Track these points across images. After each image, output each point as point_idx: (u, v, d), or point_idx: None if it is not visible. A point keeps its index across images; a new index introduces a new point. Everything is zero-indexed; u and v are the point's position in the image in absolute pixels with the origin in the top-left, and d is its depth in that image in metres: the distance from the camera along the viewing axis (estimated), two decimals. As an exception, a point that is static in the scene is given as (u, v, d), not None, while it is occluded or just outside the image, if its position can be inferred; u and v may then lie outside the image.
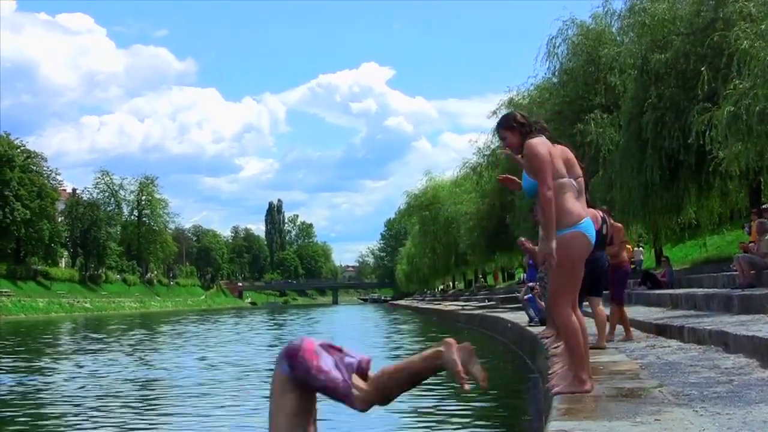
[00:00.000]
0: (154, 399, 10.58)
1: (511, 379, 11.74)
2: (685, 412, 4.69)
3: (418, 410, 8.70)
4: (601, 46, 26.07)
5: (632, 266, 32.15)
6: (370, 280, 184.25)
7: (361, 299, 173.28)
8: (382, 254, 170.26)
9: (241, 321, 45.49)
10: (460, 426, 7.66)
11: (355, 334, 27.88)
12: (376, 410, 8.29)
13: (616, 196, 22.49)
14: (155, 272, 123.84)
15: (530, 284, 16.13)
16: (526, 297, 16.72)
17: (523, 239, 12.35)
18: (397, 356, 12.27)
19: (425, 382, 3.97)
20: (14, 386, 12.18)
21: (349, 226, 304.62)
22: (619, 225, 10.33)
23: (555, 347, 8.88)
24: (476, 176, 41.45)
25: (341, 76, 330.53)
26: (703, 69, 18.37)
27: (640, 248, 37.36)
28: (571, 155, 5.78)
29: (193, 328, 34.47)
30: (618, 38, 25.71)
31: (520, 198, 26.46)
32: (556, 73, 28.21)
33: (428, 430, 7.55)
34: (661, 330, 10.84)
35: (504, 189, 33.02)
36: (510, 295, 35.69)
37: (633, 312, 15.55)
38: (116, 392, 11.15)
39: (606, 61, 25.65)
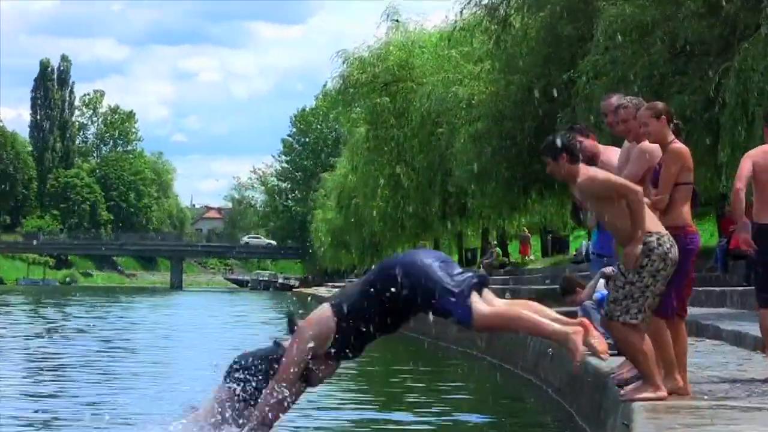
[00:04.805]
0: None
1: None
2: None
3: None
4: None
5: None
6: (254, 241, 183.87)
7: (231, 280, 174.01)
8: (283, 185, 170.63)
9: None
10: None
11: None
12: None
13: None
14: None
15: (605, 270, 16.02)
16: (595, 296, 16.65)
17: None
18: None
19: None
20: None
21: (214, 122, 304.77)
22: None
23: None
24: (497, 26, 41.50)
25: None
26: None
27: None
28: None
29: None
30: None
31: (584, 73, 27.04)
32: None
33: None
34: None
35: (554, 59, 33.50)
36: (553, 286, 35.77)
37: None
38: None
39: None
